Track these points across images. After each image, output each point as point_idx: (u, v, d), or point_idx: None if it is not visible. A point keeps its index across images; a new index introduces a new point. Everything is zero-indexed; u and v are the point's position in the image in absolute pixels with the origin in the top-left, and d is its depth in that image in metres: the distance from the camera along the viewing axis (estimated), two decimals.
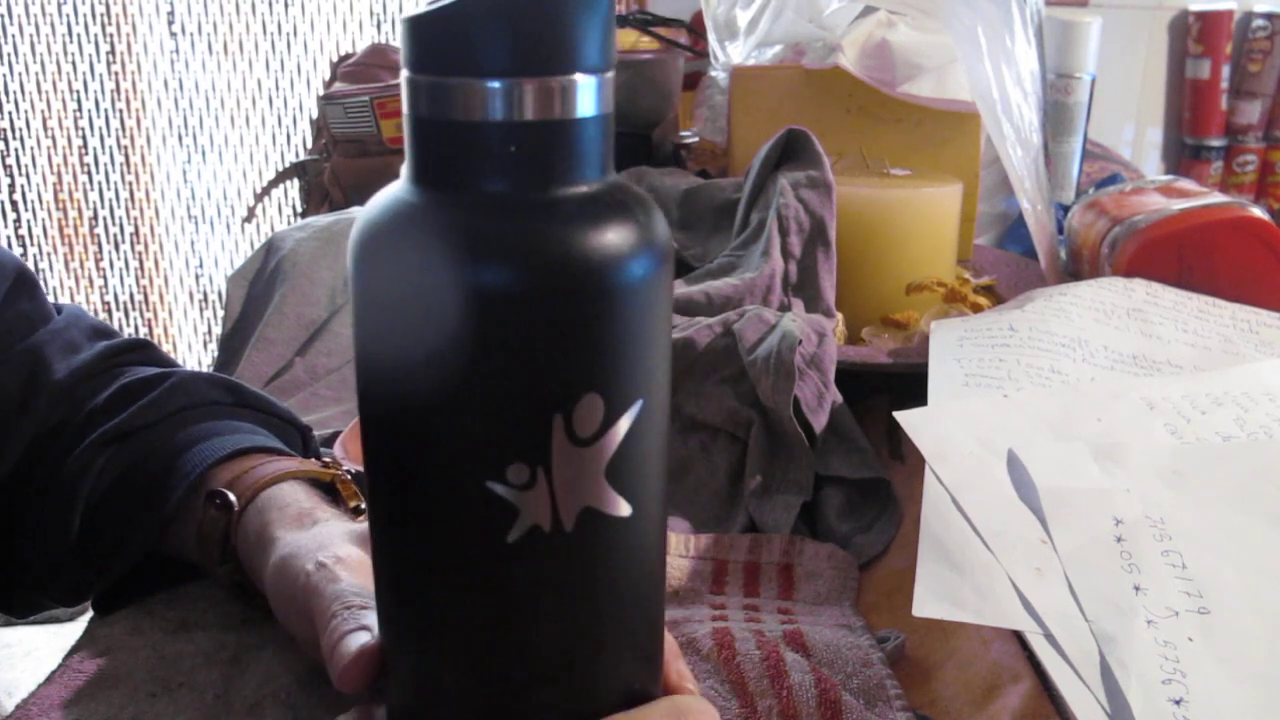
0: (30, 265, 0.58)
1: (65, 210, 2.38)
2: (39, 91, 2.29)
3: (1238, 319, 0.68)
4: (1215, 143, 2.15)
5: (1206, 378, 0.59)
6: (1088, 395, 0.57)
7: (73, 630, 0.62)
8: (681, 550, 0.57)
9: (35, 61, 2.27)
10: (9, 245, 2.28)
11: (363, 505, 0.50)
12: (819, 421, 0.63)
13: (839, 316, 0.75)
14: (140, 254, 2.45)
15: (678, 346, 0.66)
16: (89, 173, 2.37)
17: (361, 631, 0.37)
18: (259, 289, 0.90)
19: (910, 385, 0.63)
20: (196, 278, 2.51)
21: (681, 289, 0.74)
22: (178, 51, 2.34)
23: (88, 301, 2.44)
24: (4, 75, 2.25)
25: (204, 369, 0.61)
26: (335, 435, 0.64)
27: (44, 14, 2.25)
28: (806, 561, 0.56)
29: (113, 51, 2.31)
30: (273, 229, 2.25)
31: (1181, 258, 0.72)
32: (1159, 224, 0.73)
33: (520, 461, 0.29)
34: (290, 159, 2.15)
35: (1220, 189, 1.40)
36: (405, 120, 0.29)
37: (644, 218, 0.30)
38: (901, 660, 0.48)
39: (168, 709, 0.43)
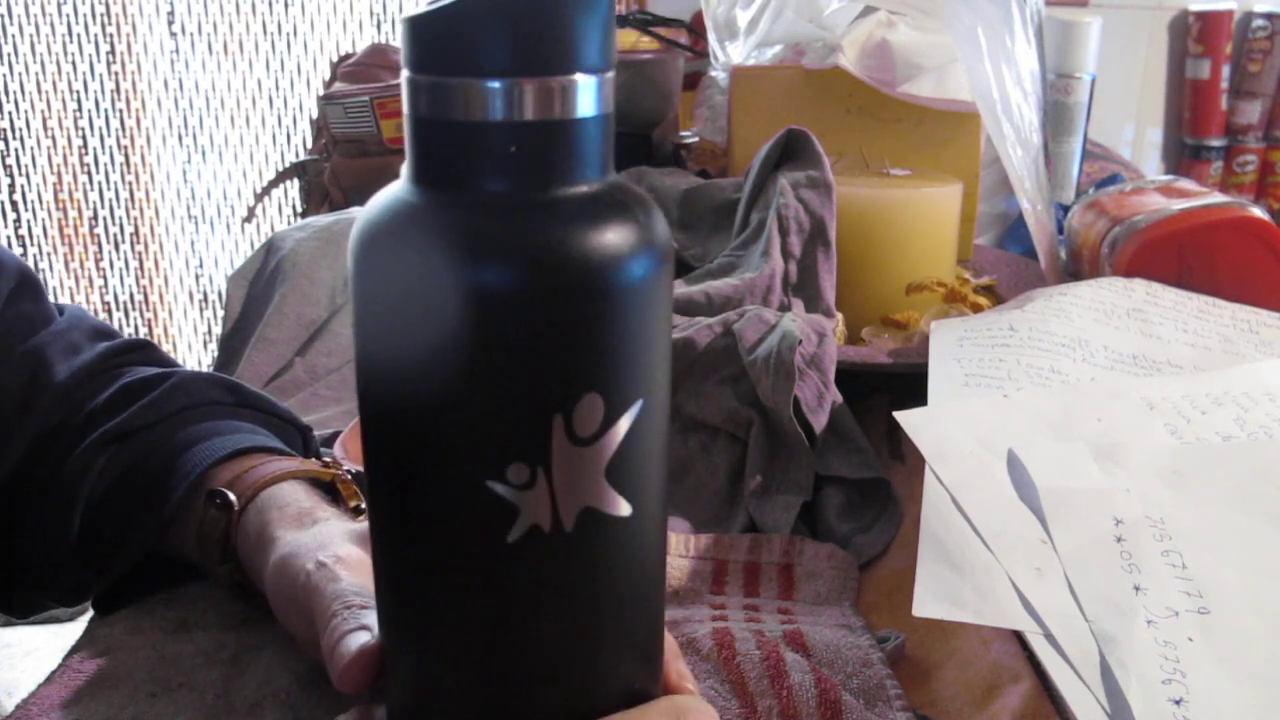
0: (30, 265, 0.58)
1: (65, 210, 2.38)
2: (39, 91, 2.29)
3: (1238, 319, 0.68)
4: (1215, 143, 2.15)
5: (1206, 378, 0.59)
6: (1088, 395, 0.57)
7: (73, 630, 0.62)
8: (681, 550, 0.57)
9: (35, 61, 2.27)
10: (9, 245, 2.28)
11: (363, 505, 0.50)
12: (819, 421, 0.63)
13: (839, 316, 0.75)
14: (140, 254, 2.45)
15: (678, 346, 0.66)
16: (89, 173, 2.37)
17: (361, 631, 0.37)
18: (259, 289, 0.90)
19: (910, 385, 0.63)
20: (196, 278, 2.51)
21: (681, 289, 0.74)
22: (178, 51, 2.34)
23: (88, 301, 2.44)
24: (4, 75, 2.25)
25: (204, 369, 0.61)
26: (335, 435, 0.64)
27: (44, 14, 2.25)
28: (806, 561, 0.56)
29: (113, 51, 2.31)
30: (273, 229, 2.25)
31: (1181, 258, 0.72)
32: (1159, 224, 0.73)
33: (520, 461, 0.29)
34: (290, 159, 2.15)
35: (1220, 189, 1.40)
36: (405, 120, 0.29)
37: (644, 218, 0.30)
38: (901, 660, 0.48)
39: (168, 709, 0.43)
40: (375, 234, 0.29)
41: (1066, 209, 0.88)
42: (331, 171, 1.18)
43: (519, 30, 0.27)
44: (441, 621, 0.31)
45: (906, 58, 0.94)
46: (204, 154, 2.42)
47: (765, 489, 0.61)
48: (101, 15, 2.28)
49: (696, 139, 1.15)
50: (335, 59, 1.49)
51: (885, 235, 0.80)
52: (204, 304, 2.53)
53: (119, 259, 2.44)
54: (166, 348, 2.10)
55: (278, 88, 2.42)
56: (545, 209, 0.28)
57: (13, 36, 2.24)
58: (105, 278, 2.44)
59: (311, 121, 1.71)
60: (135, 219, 2.43)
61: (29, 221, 2.36)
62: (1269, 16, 2.09)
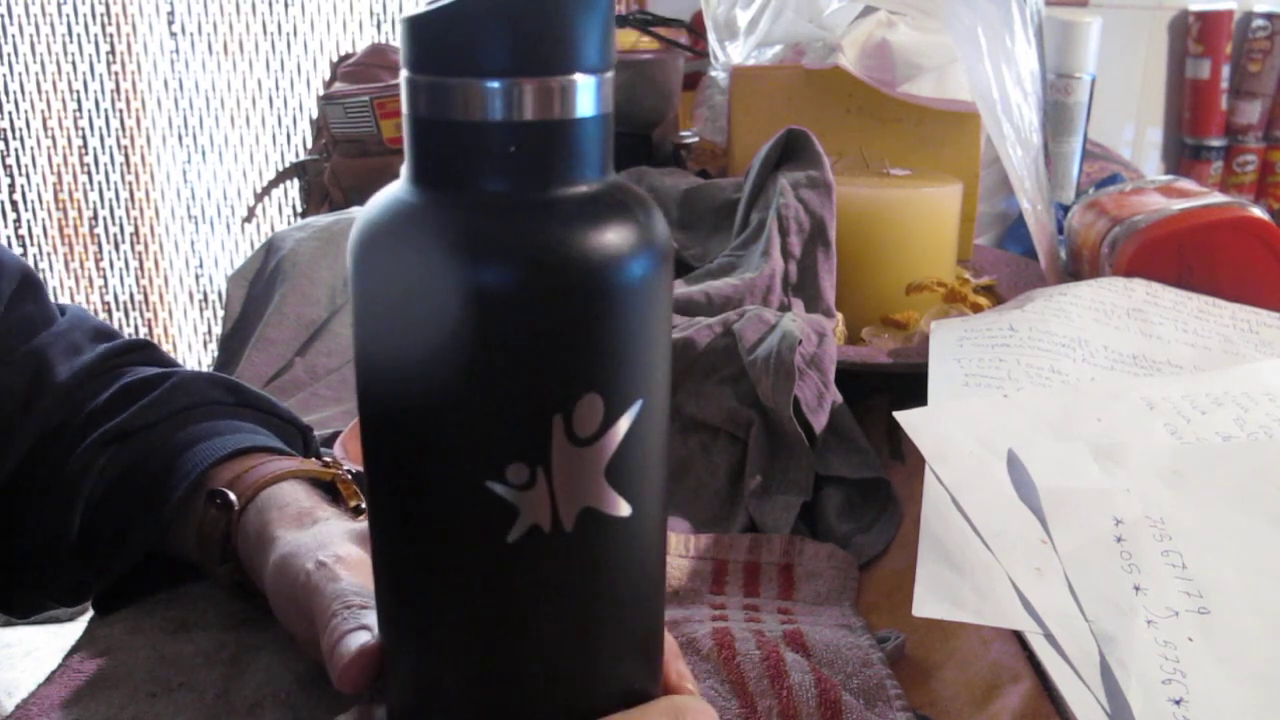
0: (30, 265, 0.59)
1: (65, 210, 2.38)
2: (39, 91, 2.29)
3: (1238, 319, 0.68)
4: (1215, 143, 2.15)
5: (1206, 378, 0.59)
6: (1088, 395, 0.57)
7: (73, 630, 0.62)
8: (681, 550, 0.57)
9: (35, 61, 2.27)
10: (9, 245, 2.28)
11: (363, 504, 0.50)
12: (819, 421, 0.63)
13: (839, 316, 0.75)
14: (140, 254, 2.45)
15: (678, 346, 0.66)
16: (89, 173, 2.37)
17: (361, 631, 0.37)
18: (259, 289, 0.90)
19: (910, 385, 0.63)
20: (196, 278, 2.51)
21: (681, 289, 0.74)
22: (178, 51, 2.34)
23: (88, 301, 2.44)
24: (4, 75, 2.25)
25: (204, 369, 0.61)
26: (335, 435, 0.64)
27: (44, 14, 2.25)
28: (806, 561, 0.56)
29: (113, 51, 2.31)
30: (273, 229, 2.25)
31: (1181, 258, 0.72)
32: (1159, 224, 0.73)
33: (520, 461, 0.29)
34: (290, 159, 2.15)
35: (1220, 189, 1.40)
36: (405, 120, 0.29)
37: (644, 218, 0.30)
38: (901, 660, 0.48)
39: (168, 709, 0.43)
40: (375, 234, 0.29)
41: (1066, 209, 0.88)
42: (331, 171, 1.18)
43: (519, 30, 0.27)
44: (441, 621, 0.31)
45: (906, 58, 0.94)
46: (204, 154, 2.42)
47: (765, 489, 0.61)
48: (101, 15, 2.28)
49: (696, 139, 1.15)
50: (335, 59, 1.49)
51: (885, 235, 0.80)
52: (204, 304, 2.53)
53: (119, 259, 2.44)
54: (166, 348, 2.10)
55: (278, 88, 2.42)
56: (545, 209, 0.28)
57: (13, 36, 2.24)
58: (105, 278, 2.44)
59: (311, 121, 1.71)
60: (135, 219, 2.43)
61: (29, 221, 2.36)
62: (1269, 16, 2.09)
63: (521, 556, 0.29)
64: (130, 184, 2.40)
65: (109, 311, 2.45)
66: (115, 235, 2.42)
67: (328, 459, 0.54)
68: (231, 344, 0.89)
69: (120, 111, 2.35)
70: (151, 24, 2.32)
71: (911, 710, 0.43)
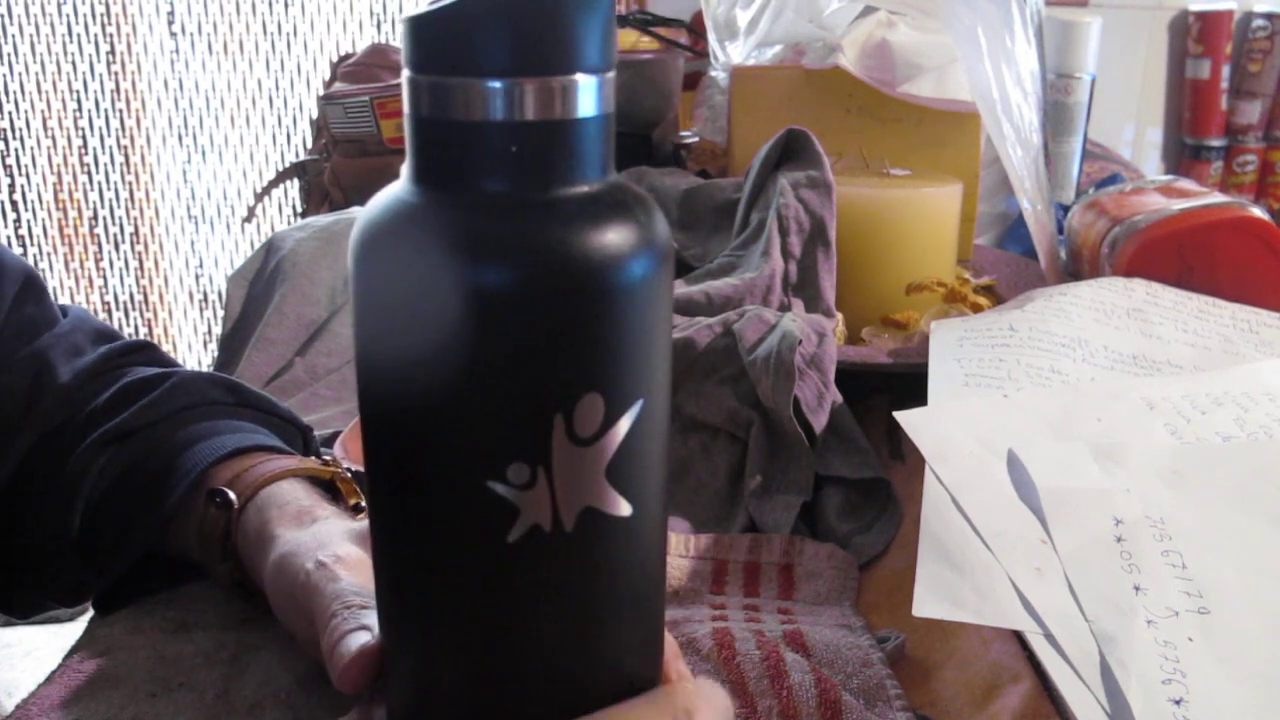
0: (33, 267, 0.59)
1: (65, 210, 2.38)
2: (39, 91, 2.29)
3: (1238, 319, 0.68)
4: (1215, 143, 2.15)
5: (1206, 378, 0.59)
6: (1088, 395, 0.57)
7: (73, 630, 0.62)
8: (681, 550, 0.57)
9: (35, 61, 2.27)
10: (9, 245, 2.28)
11: (362, 503, 0.50)
12: (819, 421, 0.63)
13: (839, 316, 0.75)
14: (140, 254, 2.45)
15: (678, 346, 0.66)
16: (89, 173, 2.37)
17: (361, 631, 0.37)
18: (259, 289, 0.90)
19: (910, 385, 0.63)
20: (196, 278, 2.51)
21: (681, 289, 0.74)
22: (178, 51, 2.34)
23: (88, 301, 2.44)
24: (4, 75, 2.25)
25: (204, 369, 0.61)
26: (335, 435, 0.64)
27: (44, 14, 2.25)
28: (806, 561, 0.56)
29: (113, 51, 2.31)
30: (273, 229, 2.25)
31: (1181, 258, 0.72)
32: (1159, 224, 0.73)
33: (521, 461, 0.29)
34: (290, 159, 2.15)
35: (1220, 189, 1.40)
36: (406, 120, 0.29)
37: (644, 218, 0.30)
38: (901, 660, 0.48)
39: (168, 709, 0.43)
40: (375, 234, 0.29)
41: (1066, 209, 0.88)
42: (331, 171, 1.18)
43: (519, 30, 0.27)
44: (442, 621, 0.31)
45: (906, 58, 0.94)
46: (204, 154, 2.42)
47: (765, 489, 0.61)
48: (101, 15, 2.28)
49: (696, 139, 1.15)
50: (335, 59, 1.49)
51: (885, 235, 0.80)
52: (204, 304, 2.53)
53: (119, 259, 2.44)
54: (166, 348, 2.10)
55: (278, 88, 2.42)
56: (545, 209, 0.28)
57: (13, 36, 2.24)
58: (105, 278, 2.44)
59: (311, 121, 1.71)
60: (135, 219, 2.43)
61: (29, 221, 2.36)
62: (1269, 16, 2.09)
63: (522, 556, 0.29)
64: (130, 184, 2.40)
65: (109, 312, 2.45)
66: (115, 235, 2.42)
67: (327, 458, 0.54)
68: (231, 344, 0.89)
69: (120, 111, 2.35)
70: (151, 24, 2.32)
71: (911, 710, 0.43)
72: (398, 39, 0.30)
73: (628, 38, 1.26)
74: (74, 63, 2.29)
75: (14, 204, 2.33)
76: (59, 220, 2.38)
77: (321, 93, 1.33)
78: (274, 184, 1.33)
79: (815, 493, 0.61)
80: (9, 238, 2.33)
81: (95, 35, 2.29)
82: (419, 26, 0.28)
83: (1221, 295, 0.70)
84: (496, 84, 0.27)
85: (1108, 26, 1.09)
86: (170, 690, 0.44)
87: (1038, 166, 0.79)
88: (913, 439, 0.53)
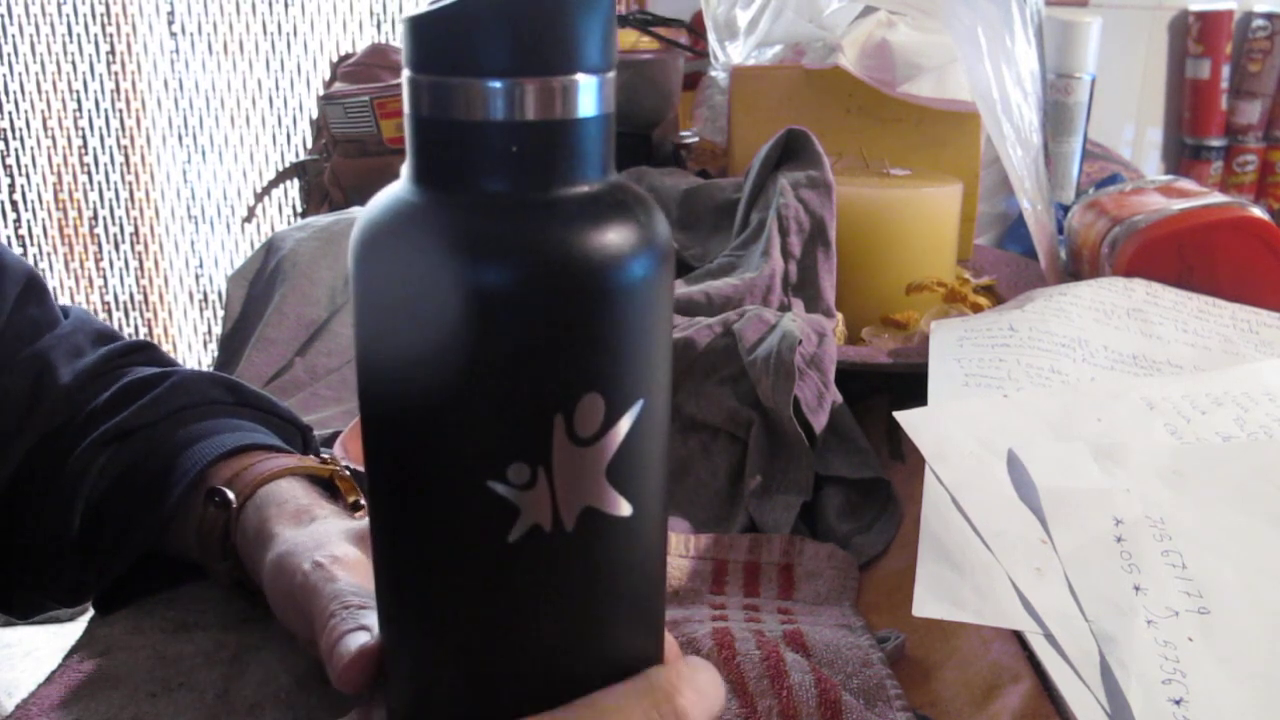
0: (35, 268, 0.59)
1: (65, 210, 2.38)
2: (39, 91, 2.29)
3: (1238, 319, 0.68)
4: (1215, 143, 2.15)
5: (1206, 378, 0.59)
6: (1088, 395, 0.57)
7: (73, 630, 0.62)
8: (681, 550, 0.57)
9: (35, 61, 2.27)
10: (9, 245, 2.28)
11: (361, 501, 0.50)
12: (819, 421, 0.63)
13: (839, 316, 0.75)
14: (140, 254, 2.45)
15: (678, 346, 0.66)
16: (89, 173, 2.37)
17: (361, 631, 0.37)
18: (259, 289, 0.90)
19: (910, 385, 0.63)
20: (196, 278, 2.51)
21: (681, 289, 0.74)
22: (178, 51, 2.34)
23: (88, 301, 2.44)
24: (4, 75, 2.25)
25: (204, 369, 0.61)
26: (335, 435, 0.64)
27: (44, 14, 2.25)
28: (806, 561, 0.56)
29: (113, 51, 2.31)
30: (273, 229, 2.25)
31: (1181, 258, 0.72)
32: (1159, 224, 0.73)
33: (521, 461, 0.29)
34: (290, 159, 2.15)
35: (1220, 189, 1.40)
36: (406, 120, 0.29)
37: (644, 218, 0.30)
38: (901, 660, 0.48)
39: (168, 709, 0.43)
40: (375, 234, 0.29)
41: (1066, 209, 0.88)
42: (331, 171, 1.18)
43: (520, 30, 0.27)
44: (442, 621, 0.31)
45: (906, 58, 0.94)
46: (204, 154, 2.42)
47: (765, 489, 0.61)
48: (101, 15, 2.28)
49: (696, 139, 1.15)
50: (335, 59, 1.49)
51: (885, 235, 0.80)
52: (204, 304, 2.53)
53: (119, 259, 2.44)
54: (166, 348, 2.10)
55: (278, 88, 2.42)
56: (546, 209, 0.28)
57: (13, 36, 2.24)
58: (105, 278, 2.44)
59: (311, 121, 1.71)
60: (135, 219, 2.43)
61: (29, 221, 2.36)
62: (1269, 16, 2.09)
63: (522, 556, 0.29)
64: (130, 184, 2.40)
65: (109, 312, 2.45)
66: (115, 235, 2.42)
67: (326, 457, 0.54)
68: (231, 344, 0.89)
69: (120, 111, 2.35)
70: (151, 24, 2.32)
71: (911, 710, 0.43)
72: (398, 39, 0.30)
73: (628, 38, 1.26)
74: (74, 63, 2.29)
75: (14, 204, 2.33)
76: (59, 220, 2.38)
77: (321, 93, 1.33)
78: (274, 184, 1.33)
79: (815, 493, 0.61)
80: (9, 238, 2.33)
81: (95, 35, 2.29)
82: (419, 26, 0.28)
83: (1221, 295, 0.70)
84: (497, 84, 0.27)
85: (1108, 26, 1.10)
86: (170, 690, 0.44)
87: (1038, 166, 0.79)
88: (913, 439, 0.53)
